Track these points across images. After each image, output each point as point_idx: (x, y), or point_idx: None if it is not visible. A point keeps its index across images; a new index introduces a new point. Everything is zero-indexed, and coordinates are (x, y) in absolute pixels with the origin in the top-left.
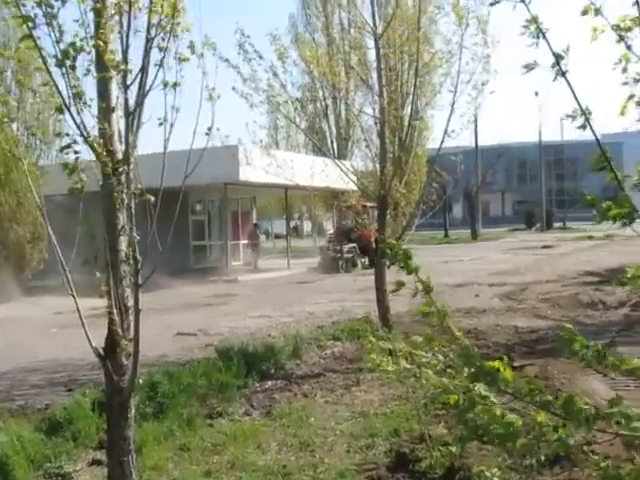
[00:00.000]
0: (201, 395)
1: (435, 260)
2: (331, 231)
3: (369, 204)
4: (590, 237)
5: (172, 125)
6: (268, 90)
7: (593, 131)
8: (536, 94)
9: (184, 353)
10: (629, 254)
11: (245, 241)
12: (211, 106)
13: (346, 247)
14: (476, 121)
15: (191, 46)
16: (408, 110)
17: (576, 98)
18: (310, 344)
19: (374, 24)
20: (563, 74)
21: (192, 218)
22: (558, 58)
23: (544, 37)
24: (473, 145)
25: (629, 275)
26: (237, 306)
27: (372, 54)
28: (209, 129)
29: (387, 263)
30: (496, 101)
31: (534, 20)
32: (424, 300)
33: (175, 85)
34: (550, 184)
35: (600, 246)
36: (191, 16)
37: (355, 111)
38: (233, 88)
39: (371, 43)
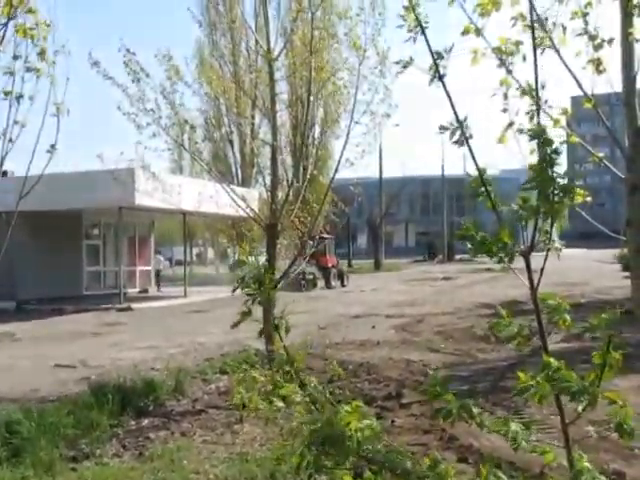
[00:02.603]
0: (68, 436)
1: (336, 290)
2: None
3: (326, 235)
4: (488, 269)
5: (11, 140)
6: (155, 112)
7: (470, 148)
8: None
9: (58, 387)
10: (523, 287)
11: (142, 267)
12: (57, 121)
13: (308, 269)
14: (381, 152)
15: (41, 53)
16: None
17: (453, 107)
18: (195, 378)
19: (268, 48)
20: (440, 77)
21: (86, 242)
22: (436, 57)
23: (423, 32)
24: (378, 176)
25: (502, 335)
26: (125, 336)
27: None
28: (52, 146)
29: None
30: (401, 133)
31: (412, 9)
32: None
33: (19, 97)
34: (452, 217)
35: (497, 279)
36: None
37: (257, 139)
38: (118, 108)
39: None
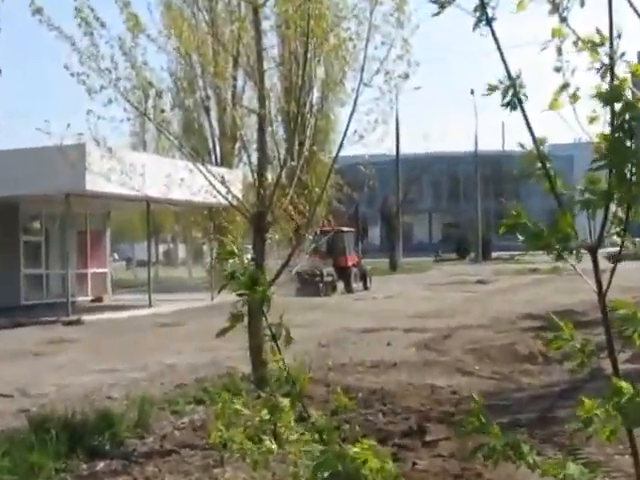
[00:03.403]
0: None
1: (342, 296)
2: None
3: (345, 228)
4: (534, 270)
5: None
6: (111, 72)
7: (524, 112)
8: (472, 92)
9: None
10: (576, 292)
11: (95, 270)
12: None
13: (326, 270)
14: (397, 123)
15: None
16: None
17: (503, 59)
18: (163, 409)
19: None
20: (489, 21)
21: (24, 239)
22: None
23: None
24: (394, 153)
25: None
26: (75, 356)
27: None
28: None
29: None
30: (423, 99)
31: None
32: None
33: None
34: (488, 204)
35: (545, 281)
36: None
37: (241, 106)
38: (66, 67)
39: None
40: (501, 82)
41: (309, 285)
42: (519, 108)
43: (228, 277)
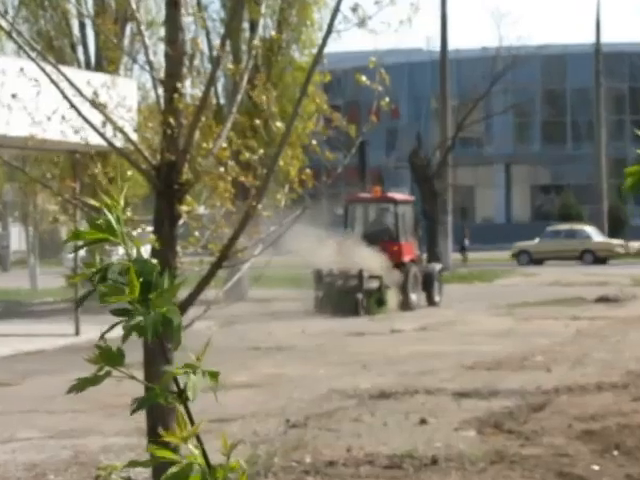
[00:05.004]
0: None
1: (338, 326)
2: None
3: (400, 196)
4: None
5: None
6: None
7: None
8: None
9: None
10: None
11: None
12: None
13: (368, 269)
14: None
15: None
16: None
17: None
18: None
19: None
20: None
21: None
22: None
23: None
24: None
25: None
26: None
27: None
28: None
29: None
30: None
31: None
32: None
33: None
34: (619, 148)
35: None
36: None
37: None
38: None
39: None
40: None
41: (339, 296)
42: None
43: (95, 279)
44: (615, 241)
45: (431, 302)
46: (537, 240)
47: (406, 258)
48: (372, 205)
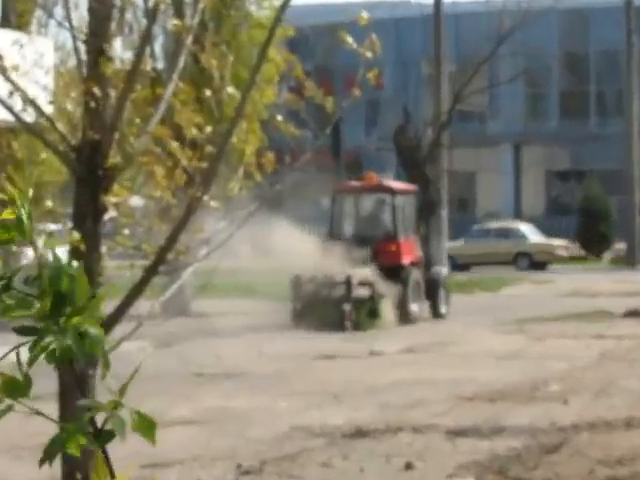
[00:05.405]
0: None
1: (305, 346)
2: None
3: (399, 185)
4: None
5: None
6: None
7: None
8: None
9: None
10: None
11: None
12: None
13: (358, 275)
14: None
15: None
16: None
17: None
18: None
19: None
20: None
21: None
22: None
23: None
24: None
25: None
26: None
27: None
28: None
29: None
30: None
31: None
32: None
33: None
34: None
35: None
36: None
37: None
38: None
39: None
40: None
41: (322, 307)
42: None
43: None
44: (557, 242)
45: (436, 314)
46: (461, 241)
47: (406, 260)
48: (365, 196)
